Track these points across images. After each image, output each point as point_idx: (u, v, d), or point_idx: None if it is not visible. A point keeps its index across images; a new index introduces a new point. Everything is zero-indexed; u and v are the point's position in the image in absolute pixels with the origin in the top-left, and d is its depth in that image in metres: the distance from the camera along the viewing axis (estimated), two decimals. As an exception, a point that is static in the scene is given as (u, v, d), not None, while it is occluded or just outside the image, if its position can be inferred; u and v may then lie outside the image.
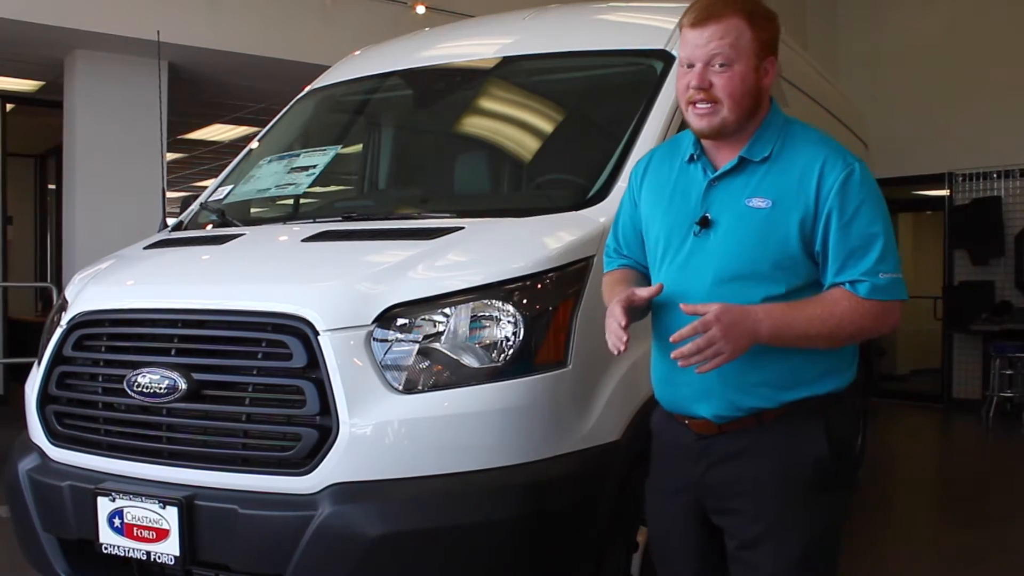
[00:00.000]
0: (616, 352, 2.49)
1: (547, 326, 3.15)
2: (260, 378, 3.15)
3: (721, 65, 2.51)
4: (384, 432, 3.01)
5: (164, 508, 3.15)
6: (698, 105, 2.55)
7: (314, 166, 4.47)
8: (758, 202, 2.53)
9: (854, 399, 2.81)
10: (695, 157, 2.67)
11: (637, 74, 4.28)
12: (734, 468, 2.59)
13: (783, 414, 2.56)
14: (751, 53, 2.53)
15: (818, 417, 2.59)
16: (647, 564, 3.52)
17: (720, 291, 2.50)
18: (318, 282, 3.29)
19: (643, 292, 2.54)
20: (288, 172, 4.51)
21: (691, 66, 2.55)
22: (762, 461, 2.56)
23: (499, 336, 3.09)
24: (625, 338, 2.47)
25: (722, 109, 2.53)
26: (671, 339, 2.41)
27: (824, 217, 2.49)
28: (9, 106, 11.62)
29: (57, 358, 3.58)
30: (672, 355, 2.41)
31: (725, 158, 2.61)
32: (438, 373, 3.09)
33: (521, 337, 3.08)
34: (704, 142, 2.64)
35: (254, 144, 5.19)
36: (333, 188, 5.16)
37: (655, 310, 2.66)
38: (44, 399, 3.60)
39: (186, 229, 4.58)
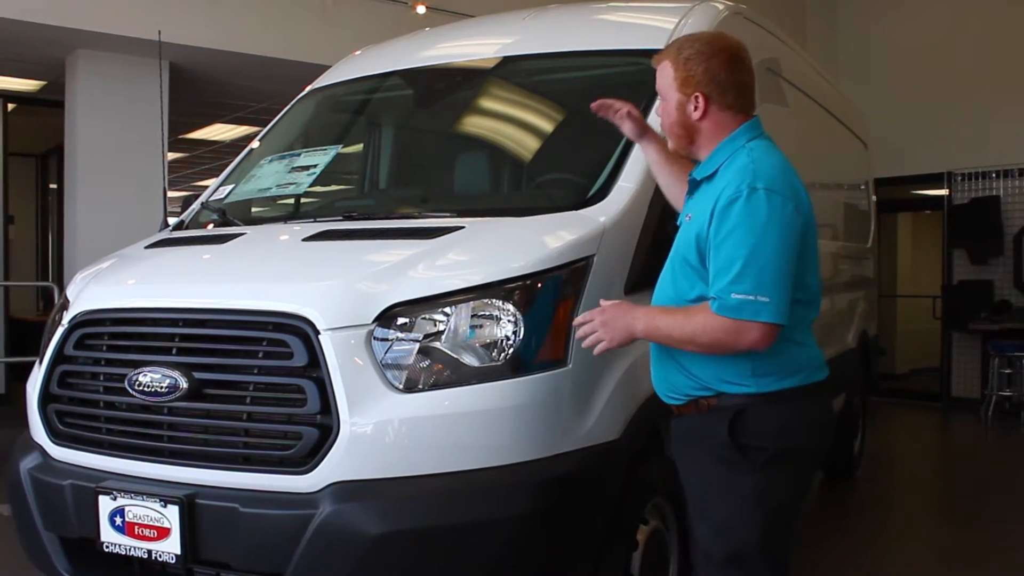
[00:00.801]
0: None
1: (547, 325, 3.16)
2: (261, 377, 3.16)
3: (661, 100, 3.02)
4: (385, 431, 3.01)
5: (165, 507, 3.16)
6: None
7: (315, 166, 4.48)
8: (687, 216, 2.96)
9: (808, 402, 2.92)
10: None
11: (637, 74, 4.26)
12: (678, 446, 3.05)
13: (711, 405, 2.88)
14: (673, 88, 2.95)
15: (731, 411, 2.84)
16: (647, 563, 3.54)
17: (662, 287, 3.02)
18: (319, 281, 3.30)
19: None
20: (289, 172, 4.52)
21: None
22: (692, 444, 2.96)
23: (499, 335, 3.11)
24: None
25: (670, 137, 3.04)
26: (573, 323, 3.00)
27: (707, 235, 2.78)
28: (11, 106, 11.61)
29: (58, 357, 3.59)
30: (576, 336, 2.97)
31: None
32: (438, 372, 3.09)
33: (521, 336, 3.09)
34: None
35: (255, 144, 5.20)
36: (334, 188, 5.17)
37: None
38: (45, 398, 3.61)
39: (187, 228, 4.59)
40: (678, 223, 3.03)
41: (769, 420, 2.83)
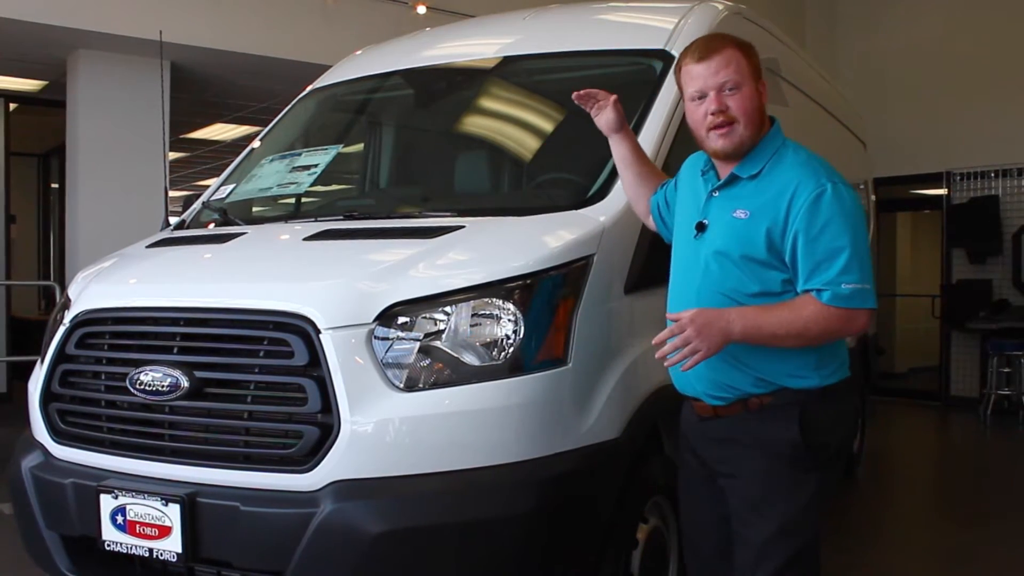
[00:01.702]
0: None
1: (547, 324, 3.17)
2: (262, 376, 3.16)
3: (731, 89, 2.89)
4: (385, 430, 3.02)
5: (166, 505, 3.17)
6: (717, 129, 2.90)
7: (315, 165, 4.48)
8: (740, 213, 2.89)
9: (847, 397, 3.05)
10: (705, 171, 3.06)
11: (637, 74, 4.29)
12: (722, 451, 3.00)
13: (764, 404, 2.90)
14: (750, 76, 2.92)
15: (794, 407, 2.89)
16: (647, 561, 3.55)
17: (707, 282, 2.92)
18: (319, 280, 3.30)
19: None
20: (290, 171, 4.53)
21: (702, 97, 2.92)
22: (745, 447, 2.93)
23: (499, 334, 3.11)
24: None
25: (739, 127, 2.89)
26: (653, 342, 2.84)
27: (792, 232, 2.80)
28: (12, 105, 11.64)
29: (60, 356, 3.60)
30: (656, 356, 2.83)
31: (725, 173, 2.98)
32: (439, 371, 3.10)
33: (521, 335, 3.10)
34: (715, 159, 3.01)
35: (256, 143, 5.20)
36: (334, 187, 5.17)
37: (670, 297, 3.11)
38: (47, 397, 3.61)
39: (188, 228, 4.59)
40: (704, 221, 2.98)
41: (830, 415, 2.95)
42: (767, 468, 2.90)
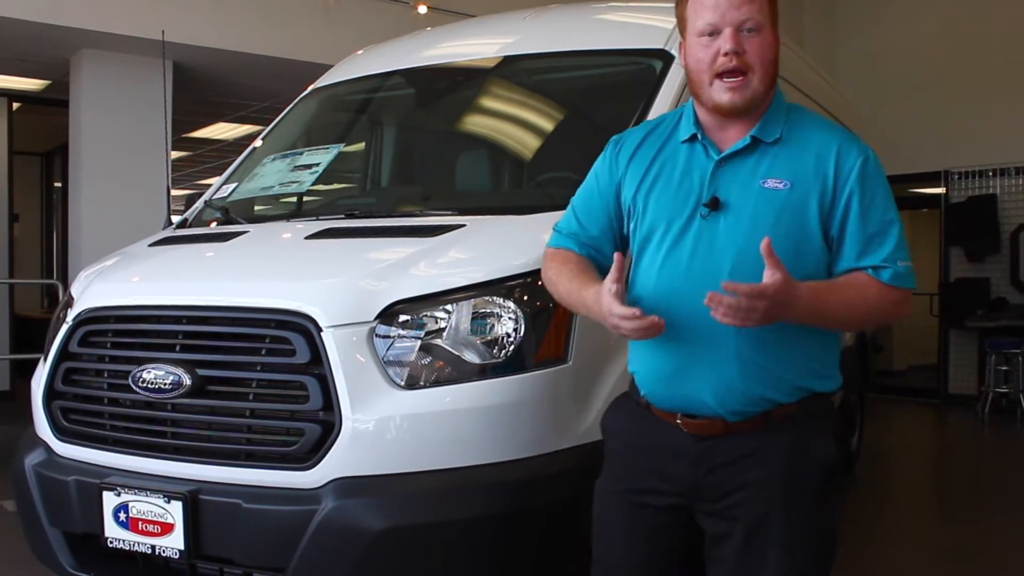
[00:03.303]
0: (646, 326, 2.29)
1: (548, 323, 3.16)
2: (264, 374, 3.18)
3: (749, 30, 2.40)
4: (386, 427, 3.03)
5: (169, 502, 3.18)
6: (727, 77, 2.40)
7: (317, 164, 4.50)
8: (775, 183, 2.41)
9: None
10: (697, 138, 2.52)
11: (637, 73, 4.29)
12: (739, 471, 2.44)
13: (790, 414, 2.45)
14: (771, 20, 2.45)
15: (824, 419, 2.54)
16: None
17: (740, 276, 2.27)
18: (321, 279, 3.32)
19: (612, 275, 2.33)
20: (291, 170, 4.54)
21: (713, 34, 2.41)
22: (769, 464, 2.43)
23: (500, 332, 3.12)
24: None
25: (753, 79, 2.41)
26: (709, 297, 2.19)
27: (844, 200, 2.42)
28: (16, 105, 11.65)
29: (63, 354, 3.61)
30: (708, 299, 2.18)
31: (732, 139, 2.48)
32: (440, 369, 3.11)
33: (522, 333, 3.11)
34: (706, 123, 2.52)
35: (258, 142, 5.22)
36: (336, 186, 5.18)
37: (655, 299, 2.45)
38: (50, 395, 3.63)
39: (190, 226, 4.61)
40: (717, 196, 2.43)
41: (842, 428, 2.69)
42: (791, 494, 2.44)
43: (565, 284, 2.58)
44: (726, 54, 2.38)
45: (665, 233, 2.48)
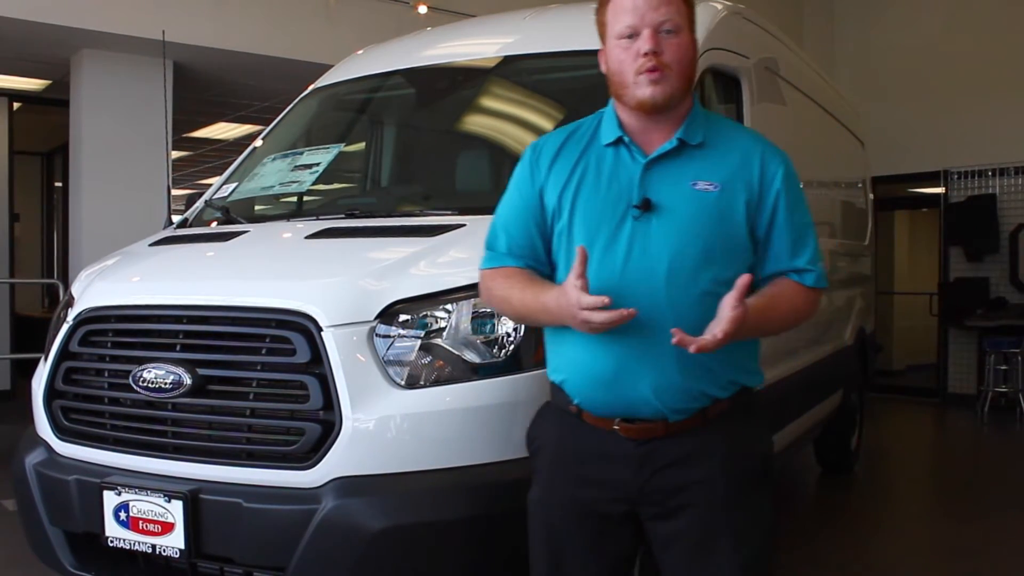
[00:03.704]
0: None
1: (547, 322, 3.17)
2: (264, 373, 3.18)
3: (668, 31, 2.45)
4: (386, 427, 3.03)
5: (169, 502, 3.18)
6: (649, 74, 2.44)
7: (317, 164, 4.50)
8: (705, 185, 2.48)
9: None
10: (622, 141, 2.55)
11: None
12: (681, 473, 2.50)
13: (724, 411, 2.52)
14: (689, 24, 2.52)
15: (757, 413, 2.65)
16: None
17: (677, 276, 2.41)
18: (321, 279, 3.32)
19: (576, 270, 2.34)
20: (292, 170, 4.54)
21: (633, 36, 2.46)
22: (712, 461, 2.50)
23: (500, 332, 3.13)
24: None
25: (671, 76, 2.45)
26: (677, 337, 2.26)
27: (771, 203, 2.51)
28: (16, 105, 11.65)
29: (64, 354, 3.61)
30: (676, 340, 2.27)
31: (657, 141, 2.52)
32: (440, 368, 3.12)
33: (522, 333, 3.11)
34: (630, 126, 2.55)
35: (258, 142, 5.22)
36: (336, 186, 5.17)
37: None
38: (51, 394, 3.63)
39: (191, 226, 4.61)
40: (647, 198, 2.47)
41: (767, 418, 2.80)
42: (734, 487, 2.52)
43: (518, 296, 2.59)
44: (645, 54, 2.43)
45: (596, 236, 2.50)
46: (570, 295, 2.33)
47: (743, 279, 2.28)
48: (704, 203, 2.46)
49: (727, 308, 2.27)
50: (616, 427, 2.51)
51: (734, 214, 2.48)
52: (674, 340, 2.26)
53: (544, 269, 2.63)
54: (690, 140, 2.51)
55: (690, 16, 2.52)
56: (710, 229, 2.45)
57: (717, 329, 2.25)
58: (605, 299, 2.27)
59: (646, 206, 2.46)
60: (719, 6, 4.64)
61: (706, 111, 2.64)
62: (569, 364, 2.58)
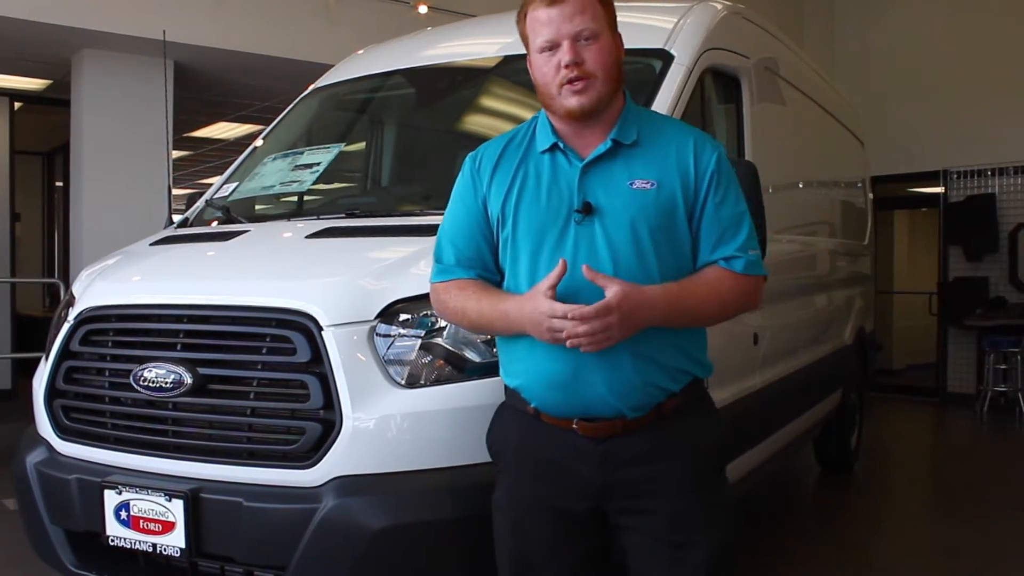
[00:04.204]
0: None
1: (546, 321, 3.17)
2: (264, 373, 3.18)
3: (587, 39, 2.50)
4: (387, 426, 3.04)
5: (170, 501, 3.19)
6: (573, 83, 2.49)
7: (318, 164, 4.50)
8: (642, 184, 2.53)
9: None
10: (558, 147, 2.60)
11: (636, 73, 4.28)
12: (644, 468, 2.56)
13: (678, 406, 2.58)
14: (607, 26, 2.55)
15: (708, 404, 2.75)
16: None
17: (624, 276, 2.45)
18: (322, 278, 3.33)
19: (549, 280, 2.41)
20: (292, 169, 4.55)
21: (552, 48, 2.52)
22: (671, 455, 2.57)
23: (500, 331, 3.13)
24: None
25: (597, 83, 2.50)
26: (570, 315, 2.33)
27: (703, 195, 2.55)
28: (17, 104, 11.67)
29: (64, 353, 3.62)
30: (568, 342, 2.36)
31: (591, 144, 2.58)
32: (440, 368, 3.12)
33: (521, 332, 3.11)
34: (563, 132, 2.60)
35: (259, 142, 5.22)
36: (336, 185, 5.17)
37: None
38: (51, 393, 3.64)
39: (191, 226, 4.61)
40: (587, 202, 2.52)
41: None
42: (694, 478, 2.58)
43: (475, 307, 2.63)
44: (567, 66, 2.49)
45: (541, 243, 2.56)
46: (540, 304, 2.40)
47: (585, 269, 2.38)
48: (643, 201, 2.51)
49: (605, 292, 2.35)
50: (575, 426, 2.57)
51: (674, 208, 2.53)
52: (568, 344, 2.36)
53: (493, 277, 2.69)
54: (624, 140, 2.56)
55: (608, 18, 2.56)
56: (652, 227, 2.51)
57: (585, 311, 2.33)
58: (581, 307, 2.35)
59: (587, 210, 2.51)
60: (719, 6, 4.65)
61: (639, 108, 2.70)
62: (524, 369, 2.63)
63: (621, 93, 2.62)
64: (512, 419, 2.73)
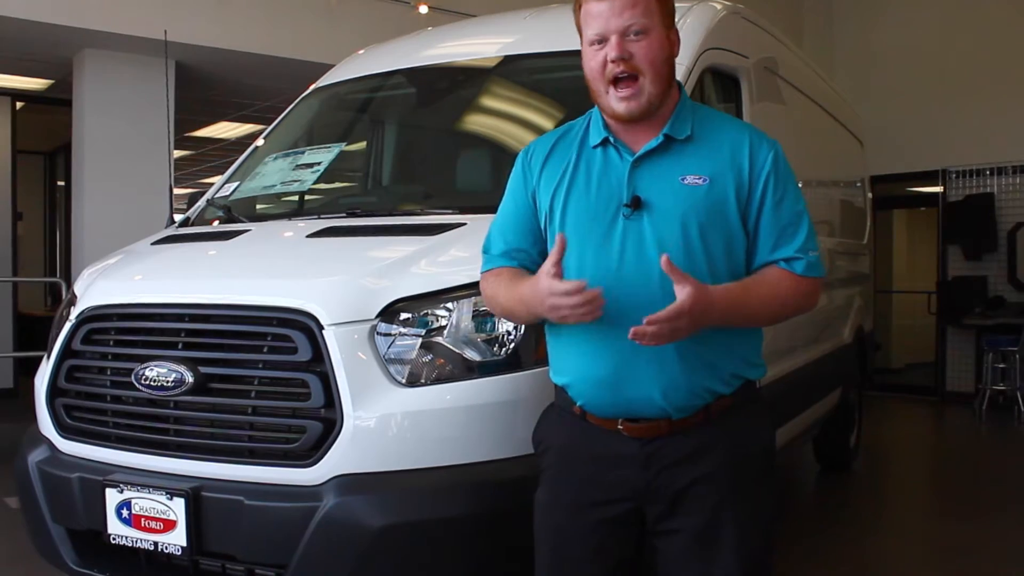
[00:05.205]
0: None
1: (547, 320, 3.18)
2: (265, 371, 3.19)
3: (636, 34, 2.44)
4: (387, 425, 3.05)
5: (171, 499, 3.19)
6: (620, 87, 2.45)
7: (319, 163, 4.51)
8: (694, 179, 2.47)
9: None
10: (609, 142, 2.56)
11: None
12: (688, 469, 2.50)
13: (727, 407, 2.52)
14: (660, 21, 2.48)
15: (759, 408, 2.67)
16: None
17: (708, 257, 2.45)
18: (322, 277, 3.34)
19: (552, 257, 2.36)
20: (293, 169, 4.55)
21: (602, 42, 2.47)
22: (716, 458, 2.50)
23: (500, 330, 3.14)
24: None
25: (645, 83, 2.45)
26: (645, 320, 2.25)
27: (759, 193, 2.49)
28: (19, 104, 11.68)
29: (66, 352, 3.63)
30: (632, 334, 2.26)
31: (644, 139, 2.53)
32: (440, 367, 3.13)
33: (522, 331, 3.12)
34: (615, 127, 2.56)
35: (260, 141, 5.23)
36: (337, 185, 5.19)
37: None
38: (53, 392, 3.65)
39: (193, 225, 4.62)
40: (637, 196, 2.47)
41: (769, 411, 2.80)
42: (739, 482, 2.53)
43: (504, 293, 2.62)
44: (613, 61, 2.44)
45: (588, 236, 2.52)
46: (541, 283, 2.36)
47: (664, 259, 2.28)
48: (694, 197, 2.46)
49: (676, 291, 2.27)
50: (620, 427, 2.52)
51: (726, 206, 2.47)
52: (630, 335, 2.27)
53: (536, 269, 2.57)
54: (677, 135, 2.51)
55: (663, 12, 2.50)
56: (704, 224, 2.45)
57: (661, 317, 2.25)
58: (578, 283, 2.30)
59: (636, 204, 2.47)
60: (719, 6, 4.65)
61: (694, 103, 2.65)
62: (570, 367, 2.59)
63: (676, 87, 2.58)
64: (559, 419, 2.69)
